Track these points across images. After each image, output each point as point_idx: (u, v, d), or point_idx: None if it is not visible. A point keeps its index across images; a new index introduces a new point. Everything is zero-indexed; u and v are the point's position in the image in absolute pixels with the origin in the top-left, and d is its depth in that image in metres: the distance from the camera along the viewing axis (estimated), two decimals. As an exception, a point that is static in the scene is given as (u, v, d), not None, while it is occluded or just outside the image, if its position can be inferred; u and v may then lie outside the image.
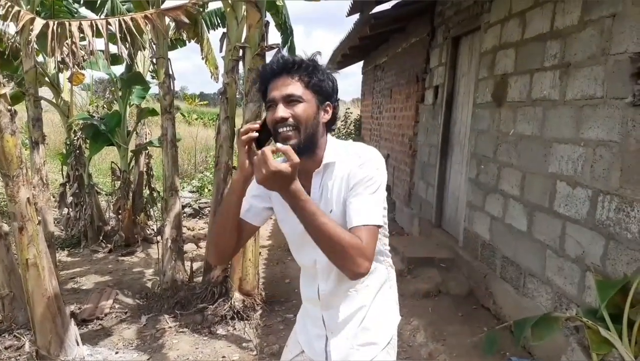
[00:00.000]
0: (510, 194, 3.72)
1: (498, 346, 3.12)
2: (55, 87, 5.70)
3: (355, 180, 1.43)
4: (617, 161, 2.54)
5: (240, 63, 3.98)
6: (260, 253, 4.34)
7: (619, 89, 2.54)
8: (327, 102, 1.47)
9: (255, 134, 1.40)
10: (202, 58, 6.01)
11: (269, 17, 5.63)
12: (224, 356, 3.41)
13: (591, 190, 2.75)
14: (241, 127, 1.47)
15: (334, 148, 1.49)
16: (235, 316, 3.82)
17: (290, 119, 1.37)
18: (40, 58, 5.35)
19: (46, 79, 5.56)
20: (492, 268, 3.98)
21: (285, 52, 6.66)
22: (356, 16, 6.14)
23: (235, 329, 3.75)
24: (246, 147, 1.41)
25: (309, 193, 1.48)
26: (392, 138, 8.08)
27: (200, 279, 4.41)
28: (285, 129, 1.38)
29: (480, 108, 4.34)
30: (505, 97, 3.83)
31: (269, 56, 3.71)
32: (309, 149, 1.43)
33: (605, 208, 2.62)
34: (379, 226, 1.43)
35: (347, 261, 1.34)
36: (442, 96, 5.40)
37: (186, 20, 3.10)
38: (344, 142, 1.55)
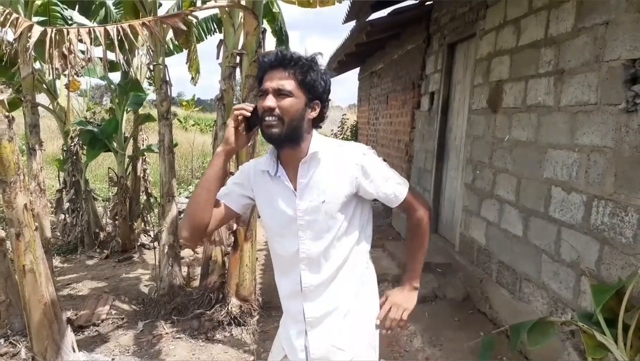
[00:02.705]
0: (505, 200, 3.74)
1: (494, 351, 3.13)
2: (52, 93, 5.70)
3: (369, 170, 1.55)
4: (611, 166, 2.56)
5: (237, 70, 4.00)
6: (257, 258, 4.35)
7: (612, 96, 2.57)
8: (316, 101, 1.54)
9: (248, 114, 1.53)
10: (186, 63, 6.05)
11: (264, 24, 5.68)
12: (221, 362, 3.41)
13: (586, 195, 2.77)
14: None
15: (318, 140, 1.57)
16: (232, 321, 3.82)
17: (277, 110, 1.46)
18: (37, 64, 5.36)
19: (43, 85, 5.57)
20: (488, 273, 3.99)
21: None
22: (352, 23, 6.18)
23: (232, 335, 3.75)
24: (235, 123, 1.54)
25: (295, 184, 1.57)
26: (389, 144, 8.11)
27: (197, 284, 4.41)
28: (269, 118, 1.47)
29: (476, 114, 4.37)
30: (501, 103, 3.86)
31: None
32: (292, 140, 1.51)
33: (600, 213, 2.64)
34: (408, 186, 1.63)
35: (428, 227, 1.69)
36: (438, 102, 5.43)
37: (184, 28, 3.12)
38: (326, 137, 1.64)
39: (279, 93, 1.46)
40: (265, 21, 5.64)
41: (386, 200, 1.61)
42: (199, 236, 1.65)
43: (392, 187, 1.59)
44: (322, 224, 1.56)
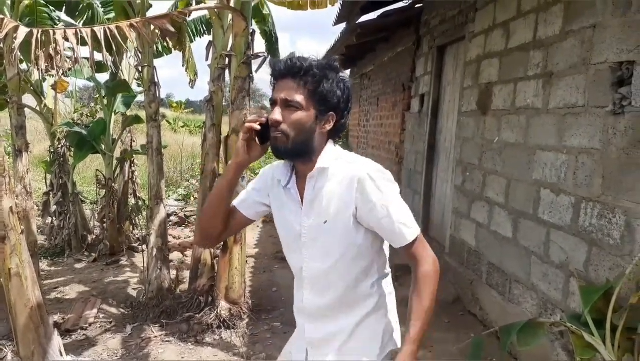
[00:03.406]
0: (495, 201, 3.75)
1: (484, 352, 3.14)
2: (39, 94, 5.63)
3: (370, 195, 1.39)
4: (598, 168, 2.58)
5: (227, 71, 3.98)
6: (247, 261, 4.32)
7: (600, 98, 2.59)
8: (331, 113, 1.44)
9: (257, 127, 1.44)
10: (183, 65, 6.02)
11: (254, 25, 5.67)
12: (210, 366, 3.38)
13: (574, 197, 2.79)
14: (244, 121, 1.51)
15: (329, 155, 1.47)
16: (222, 325, 3.79)
17: (282, 125, 1.38)
18: (23, 65, 5.30)
19: (30, 86, 5.50)
20: (478, 274, 4.00)
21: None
22: (342, 25, 6.19)
23: (221, 338, 3.72)
24: (244, 136, 1.45)
25: (302, 197, 1.50)
26: (379, 146, 8.12)
27: (186, 288, 4.37)
28: (276, 133, 1.40)
29: (465, 116, 4.39)
30: (490, 105, 3.88)
31: (255, 64, 3.72)
32: (301, 154, 1.44)
33: (588, 214, 2.66)
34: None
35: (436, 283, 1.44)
36: (428, 104, 5.45)
37: (172, 29, 3.09)
38: (342, 151, 1.53)
39: (287, 105, 1.38)
40: (255, 22, 5.64)
41: (386, 236, 1.46)
42: (211, 241, 1.67)
43: (394, 225, 1.40)
44: (324, 244, 1.48)
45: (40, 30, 2.69)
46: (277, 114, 1.39)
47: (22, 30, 2.63)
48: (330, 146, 1.48)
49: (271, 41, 6.06)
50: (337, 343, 1.55)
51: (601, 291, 2.27)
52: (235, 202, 1.62)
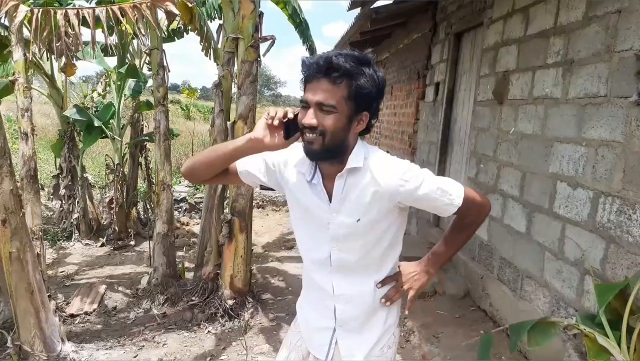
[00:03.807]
0: (509, 194, 3.63)
1: (493, 349, 3.04)
2: (50, 78, 5.60)
3: (412, 195, 1.45)
4: (619, 161, 2.45)
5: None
6: (252, 250, 4.26)
7: (623, 88, 2.45)
8: (365, 112, 1.40)
9: (276, 122, 1.39)
10: (202, 50, 5.94)
11: (278, 10, 5.57)
12: (212, 355, 3.34)
13: (592, 191, 2.66)
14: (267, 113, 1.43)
15: (360, 154, 1.44)
16: (225, 314, 3.75)
17: (318, 128, 1.34)
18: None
19: (41, 70, 5.47)
20: (489, 269, 3.89)
21: (305, 50, 6.62)
22: (358, 10, 6.04)
23: (224, 327, 3.68)
24: (271, 121, 1.39)
25: (331, 195, 1.47)
26: (392, 135, 7.99)
27: (191, 275, 4.34)
28: (310, 135, 1.35)
29: (481, 106, 4.25)
30: (507, 94, 3.74)
31: (263, 48, 3.62)
32: (334, 155, 1.41)
33: (607, 210, 2.53)
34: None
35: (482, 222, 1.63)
36: (443, 93, 5.30)
37: (175, 11, 3.00)
38: (368, 146, 1.48)
39: (322, 108, 1.33)
40: (279, 9, 5.54)
41: (439, 214, 1.56)
42: (194, 181, 1.68)
43: (439, 206, 1.50)
44: (356, 238, 1.50)
45: (40, 10, 2.62)
46: (311, 117, 1.34)
47: (22, 10, 2.57)
48: (361, 144, 1.46)
49: (301, 27, 5.93)
50: (369, 317, 1.59)
51: (617, 288, 2.15)
52: (239, 166, 1.59)
